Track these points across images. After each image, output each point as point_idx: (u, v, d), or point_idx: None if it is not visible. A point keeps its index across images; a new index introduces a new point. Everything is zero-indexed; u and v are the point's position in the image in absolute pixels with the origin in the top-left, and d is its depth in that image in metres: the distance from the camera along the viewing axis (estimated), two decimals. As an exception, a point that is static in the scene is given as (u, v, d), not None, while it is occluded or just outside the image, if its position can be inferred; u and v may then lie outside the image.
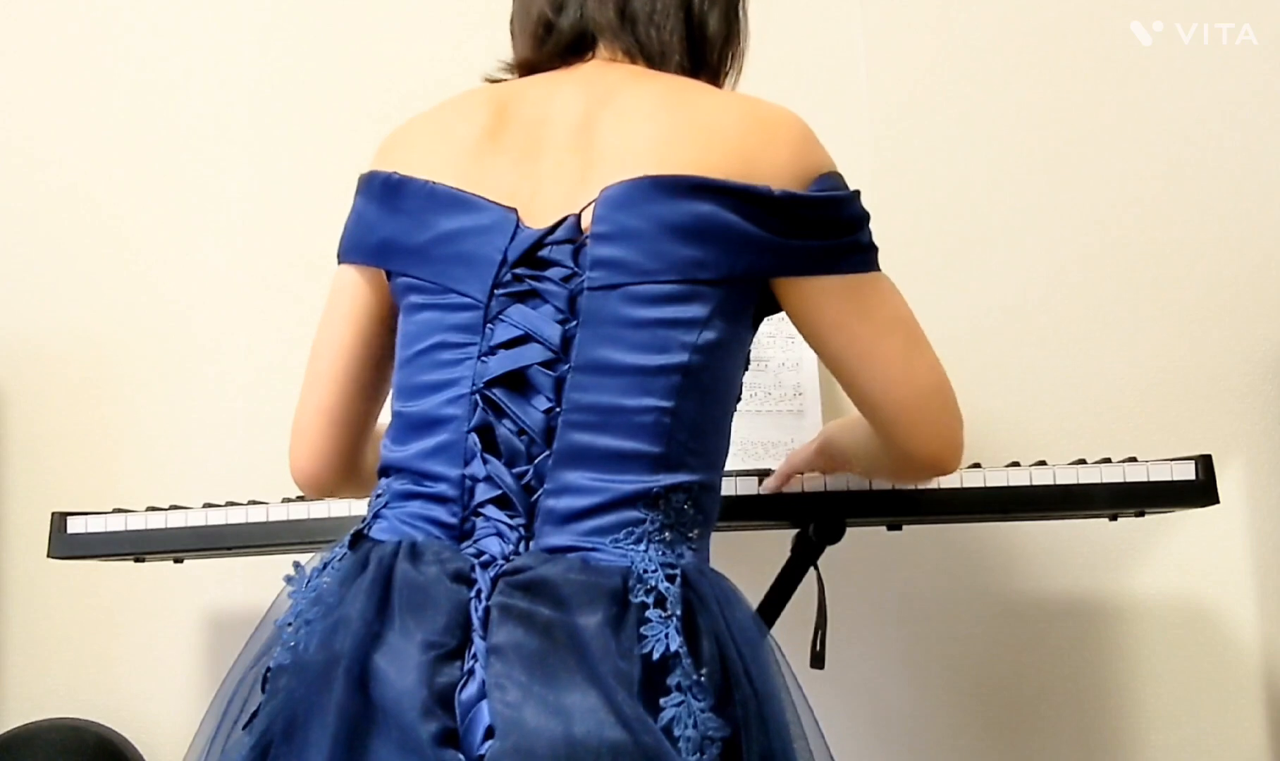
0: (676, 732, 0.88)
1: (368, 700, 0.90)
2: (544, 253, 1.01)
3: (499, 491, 0.98)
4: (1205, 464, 1.42)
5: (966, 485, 1.41)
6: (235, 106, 2.12)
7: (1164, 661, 1.97)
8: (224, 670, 1.07)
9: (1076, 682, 1.97)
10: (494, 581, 0.93)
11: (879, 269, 1.07)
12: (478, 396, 1.00)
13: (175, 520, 1.57)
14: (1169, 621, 1.97)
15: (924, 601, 1.99)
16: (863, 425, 1.17)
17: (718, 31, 1.15)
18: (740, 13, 1.18)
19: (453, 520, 0.99)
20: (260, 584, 1.80)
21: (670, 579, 0.94)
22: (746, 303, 1.04)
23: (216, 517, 1.55)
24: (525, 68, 1.17)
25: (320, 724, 0.90)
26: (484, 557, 0.96)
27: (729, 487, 1.38)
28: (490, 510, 0.98)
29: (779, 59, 1.98)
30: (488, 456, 0.98)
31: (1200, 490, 1.42)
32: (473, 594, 0.93)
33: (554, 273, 1.00)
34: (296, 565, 1.03)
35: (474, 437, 0.99)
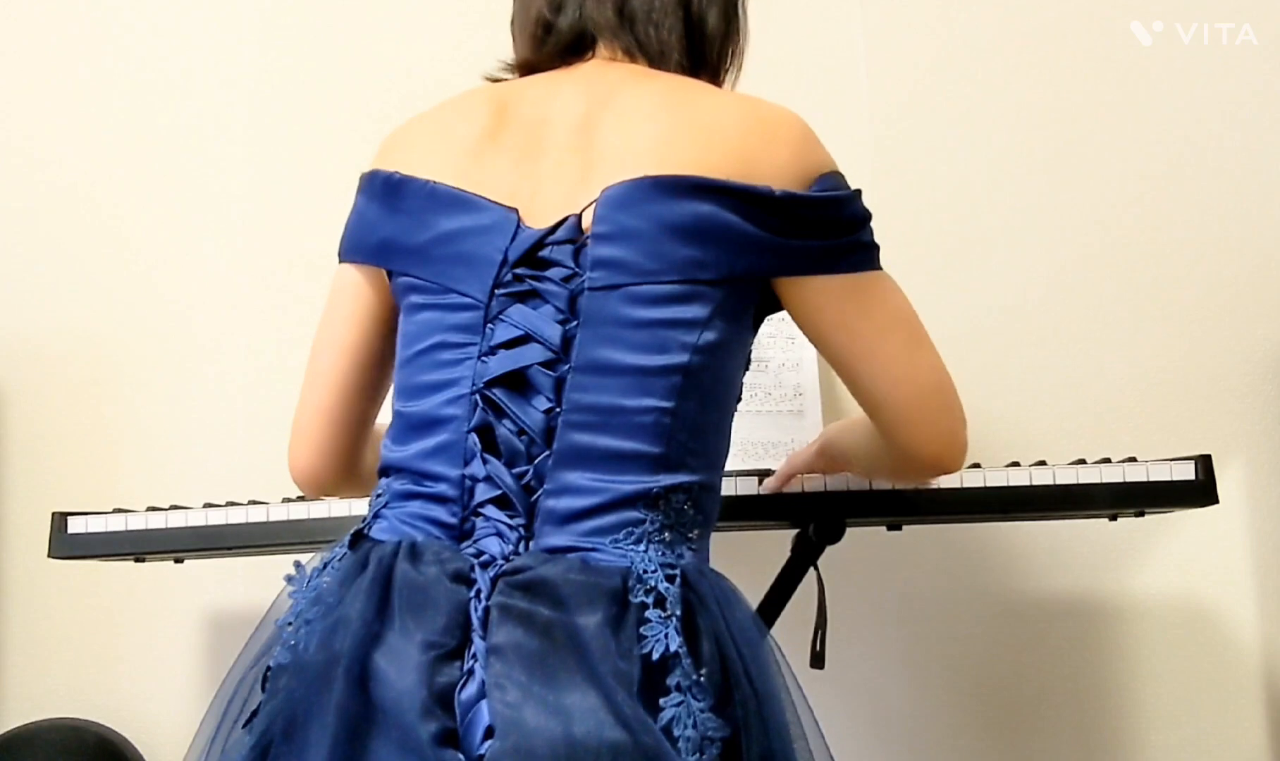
0: (676, 733, 0.88)
1: (367, 700, 0.90)
2: (545, 253, 1.01)
3: (499, 491, 0.98)
4: (1205, 464, 1.42)
5: (966, 485, 1.41)
6: (235, 106, 2.12)
7: (1164, 661, 1.97)
8: (224, 670, 1.07)
9: (1076, 682, 1.97)
10: (494, 581, 0.93)
11: (880, 268, 1.07)
12: (478, 396, 1.00)
13: (175, 520, 1.57)
14: (1169, 621, 1.97)
15: (924, 601, 1.99)
16: (864, 426, 1.17)
17: (717, 29, 1.15)
18: (739, 10, 1.18)
19: (453, 520, 0.99)
20: (260, 584, 1.80)
21: (670, 579, 0.93)
22: (747, 303, 1.04)
23: (217, 517, 1.55)
24: (525, 68, 1.17)
25: (320, 723, 0.90)
26: (484, 558, 0.96)
27: (729, 487, 1.38)
28: (490, 510, 0.98)
29: (779, 58, 1.98)
30: (488, 456, 0.98)
31: (1200, 490, 1.42)
32: (472, 594, 0.93)
33: (554, 273, 1.00)
34: (297, 565, 1.03)
35: (474, 438, 0.99)
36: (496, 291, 1.01)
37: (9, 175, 2.13)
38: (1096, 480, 1.41)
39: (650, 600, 0.92)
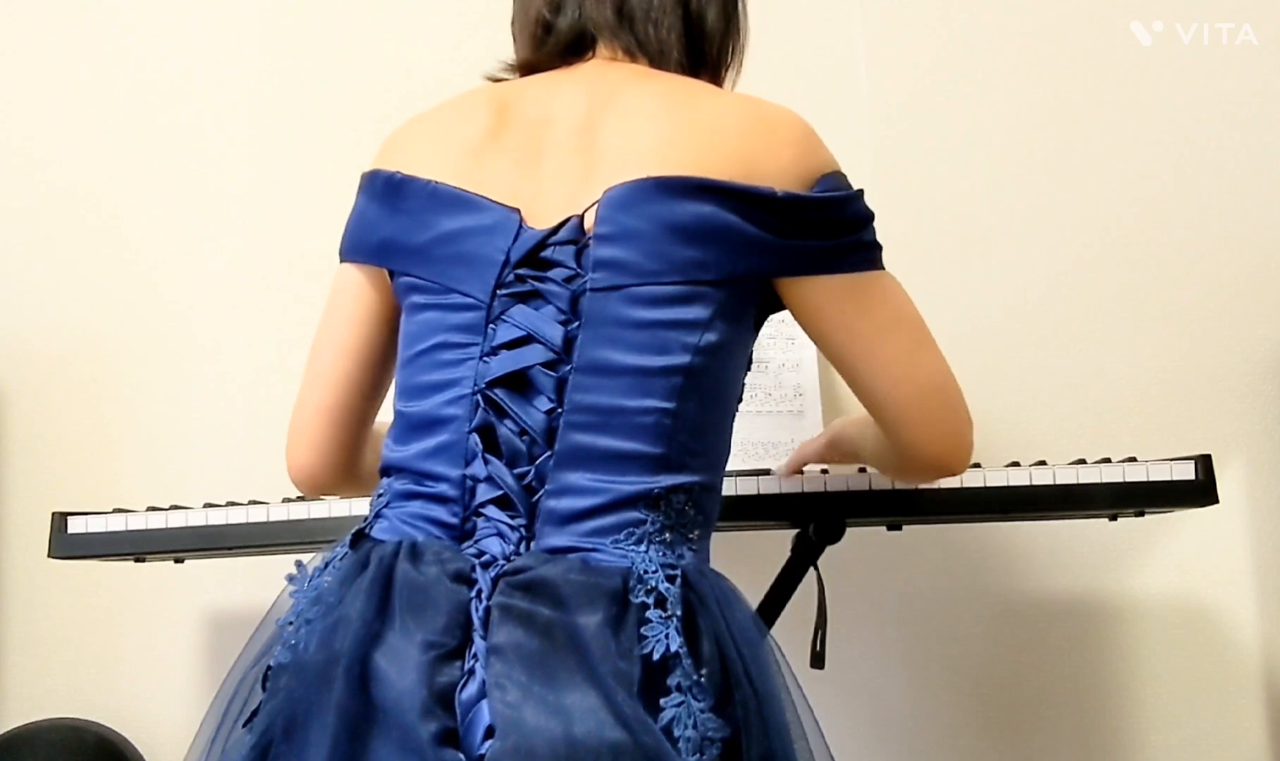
0: (676, 733, 0.88)
1: (368, 700, 0.90)
2: (547, 253, 1.01)
3: (500, 492, 0.98)
4: (1205, 464, 1.42)
5: (966, 485, 1.40)
6: (235, 106, 2.12)
7: (1164, 661, 1.97)
8: (224, 670, 1.07)
9: (1076, 682, 1.97)
10: (494, 581, 0.93)
11: (883, 267, 1.07)
12: (479, 397, 1.00)
13: (175, 520, 1.56)
14: (1169, 621, 1.97)
15: (924, 601, 1.99)
16: (872, 424, 1.17)
17: (716, 26, 1.15)
18: (739, 7, 1.18)
19: (453, 520, 0.99)
20: (260, 584, 1.81)
21: (670, 579, 0.94)
22: (748, 303, 1.04)
23: (217, 517, 1.55)
24: (526, 68, 1.17)
25: (320, 723, 0.90)
26: (484, 558, 0.96)
27: (729, 487, 1.38)
28: (491, 510, 0.98)
29: (779, 58, 1.98)
30: (489, 457, 0.98)
31: (1200, 490, 1.42)
32: (473, 594, 0.93)
33: (556, 273, 1.00)
34: (298, 564, 1.03)
35: (475, 438, 0.99)
36: (498, 292, 1.01)
37: (9, 175, 2.13)
38: (1096, 480, 1.41)
39: (651, 600, 0.92)
